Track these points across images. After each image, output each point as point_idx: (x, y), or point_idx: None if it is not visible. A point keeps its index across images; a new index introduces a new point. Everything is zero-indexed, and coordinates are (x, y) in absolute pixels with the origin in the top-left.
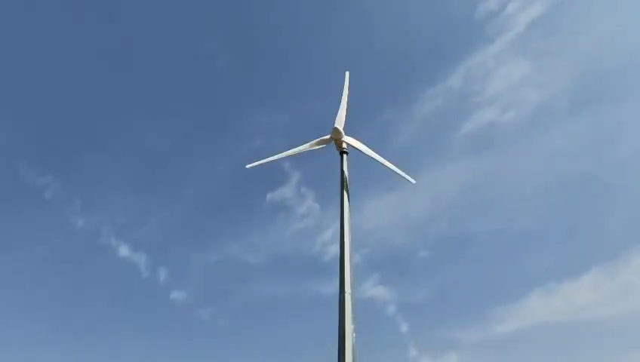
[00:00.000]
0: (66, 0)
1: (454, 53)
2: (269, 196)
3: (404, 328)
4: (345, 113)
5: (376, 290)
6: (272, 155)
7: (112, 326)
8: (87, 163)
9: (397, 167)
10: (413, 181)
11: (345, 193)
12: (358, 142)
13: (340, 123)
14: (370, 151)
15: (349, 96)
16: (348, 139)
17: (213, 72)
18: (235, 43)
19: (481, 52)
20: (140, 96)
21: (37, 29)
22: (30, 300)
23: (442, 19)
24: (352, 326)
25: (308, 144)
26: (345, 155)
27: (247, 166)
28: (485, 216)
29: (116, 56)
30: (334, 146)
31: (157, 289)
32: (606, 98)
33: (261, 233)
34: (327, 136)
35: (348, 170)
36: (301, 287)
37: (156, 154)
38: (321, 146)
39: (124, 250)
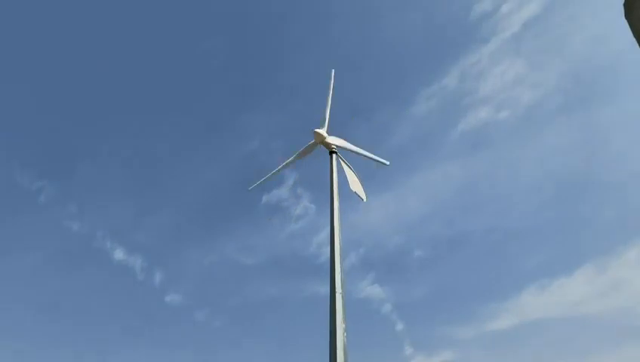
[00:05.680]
0: (60, 2)
1: (449, 53)
2: (264, 197)
3: (399, 326)
4: (328, 113)
5: (372, 289)
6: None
7: (107, 329)
8: (82, 166)
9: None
10: (388, 163)
11: (335, 192)
12: (341, 139)
13: (322, 124)
14: (351, 146)
15: (333, 95)
16: (331, 139)
17: (209, 73)
18: (232, 44)
19: (476, 52)
20: (134, 98)
21: (32, 31)
22: (25, 304)
23: (437, 20)
24: (343, 326)
25: (298, 153)
26: (334, 155)
27: (250, 188)
28: (479, 215)
29: (111, 59)
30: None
31: (152, 292)
32: (598, 97)
33: (257, 234)
34: (312, 141)
35: (337, 169)
36: (297, 288)
37: (151, 157)
38: (312, 151)
39: (119, 254)
